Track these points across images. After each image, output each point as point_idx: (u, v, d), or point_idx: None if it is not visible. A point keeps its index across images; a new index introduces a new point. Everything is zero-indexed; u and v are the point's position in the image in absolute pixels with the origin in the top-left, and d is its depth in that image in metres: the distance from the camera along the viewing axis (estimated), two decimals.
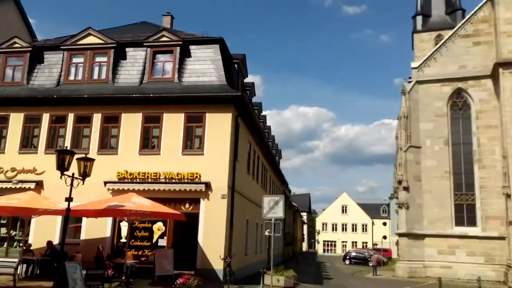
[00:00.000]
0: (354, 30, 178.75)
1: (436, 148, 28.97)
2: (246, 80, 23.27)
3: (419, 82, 29.96)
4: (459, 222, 28.08)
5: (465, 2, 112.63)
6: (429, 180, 28.60)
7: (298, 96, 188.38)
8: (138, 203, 13.56)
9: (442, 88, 29.48)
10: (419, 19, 44.08)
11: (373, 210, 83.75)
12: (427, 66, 30.12)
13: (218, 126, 16.97)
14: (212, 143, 16.84)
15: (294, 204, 54.81)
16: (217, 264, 15.75)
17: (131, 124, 17.55)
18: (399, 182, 28.76)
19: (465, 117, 29.11)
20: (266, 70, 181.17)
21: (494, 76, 27.67)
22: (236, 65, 20.06)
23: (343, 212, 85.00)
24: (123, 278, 13.53)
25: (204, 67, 18.31)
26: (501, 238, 26.31)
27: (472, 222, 27.80)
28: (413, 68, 30.62)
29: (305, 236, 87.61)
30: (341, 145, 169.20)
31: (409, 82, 30.36)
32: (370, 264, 32.07)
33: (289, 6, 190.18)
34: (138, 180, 16.92)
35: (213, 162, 16.63)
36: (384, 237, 64.88)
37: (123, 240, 16.32)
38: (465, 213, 28.14)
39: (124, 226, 16.38)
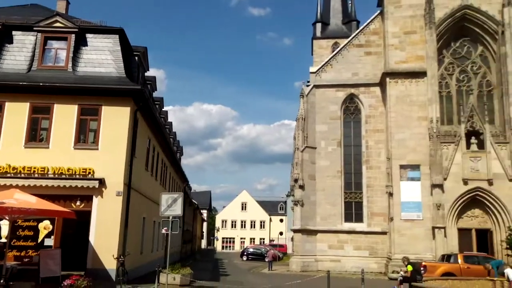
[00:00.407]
0: (259, 32, 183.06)
1: (329, 149, 30.77)
2: (148, 73, 22.58)
3: (316, 86, 31.55)
4: (348, 218, 30.18)
5: (360, 14, 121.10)
6: (322, 179, 30.30)
7: (203, 93, 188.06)
8: (21, 199, 12.43)
9: (337, 93, 31.38)
10: (319, 26, 46.43)
11: (271, 207, 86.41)
12: (324, 71, 31.83)
13: (115, 120, 16.23)
14: (108, 137, 16.07)
15: (194, 202, 54.52)
16: (110, 264, 15.07)
17: (16, 114, 16.03)
18: (295, 181, 30.05)
19: (356, 121, 31.29)
20: (170, 65, 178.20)
21: (382, 84, 30.13)
22: (136, 58, 19.34)
23: (242, 209, 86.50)
24: (2, 281, 12.35)
25: (102, 58, 17.38)
26: (383, 233, 28.83)
27: (359, 219, 30.03)
28: (311, 72, 32.18)
29: (205, 234, 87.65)
30: (243, 144, 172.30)
31: (308, 85, 31.84)
32: (266, 260, 33.06)
33: (195, 3, 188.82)
34: (22, 175, 15.54)
35: (108, 158, 15.87)
36: (281, 233, 67.29)
37: (3, 240, 14.88)
38: (353, 210, 30.34)
39: (5, 225, 14.94)
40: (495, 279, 15.12)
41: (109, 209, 15.53)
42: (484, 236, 26.93)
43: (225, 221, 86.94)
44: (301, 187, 29.82)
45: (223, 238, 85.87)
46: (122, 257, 15.12)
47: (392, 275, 24.04)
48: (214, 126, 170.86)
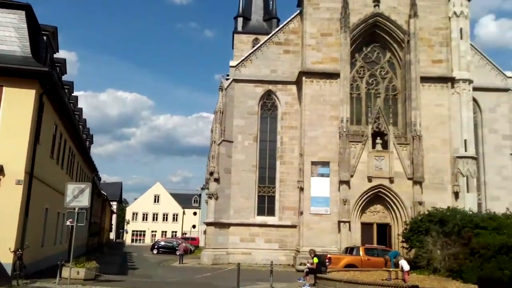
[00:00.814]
0: (179, 21, 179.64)
1: (246, 144, 31.15)
2: (57, 55, 21.13)
3: (235, 81, 31.72)
4: (261, 212, 30.83)
5: (281, 12, 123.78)
6: (238, 172, 30.61)
7: (117, 80, 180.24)
8: None
9: (255, 88, 31.80)
10: (240, 21, 46.72)
11: (185, 200, 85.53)
12: (244, 66, 32.08)
13: (18, 103, 14.99)
14: (9, 121, 14.79)
15: (104, 193, 52.33)
16: (6, 258, 13.92)
17: None
18: (211, 174, 30.02)
19: (272, 117, 31.99)
20: (83, 48, 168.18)
21: (298, 82, 31.09)
22: (45, 38, 17.99)
23: (155, 201, 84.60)
24: None
25: (5, 35, 15.93)
26: (293, 226, 29.87)
27: (271, 212, 30.82)
28: (231, 66, 32.27)
29: (114, 226, 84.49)
30: (159, 134, 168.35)
31: (227, 79, 31.90)
32: (178, 253, 32.70)
33: None
34: None
35: (8, 143, 14.62)
36: (194, 226, 66.97)
37: None
38: (266, 204, 31.04)
39: None
40: (391, 269, 16.30)
41: (7, 199, 14.33)
42: (384, 230, 29.02)
43: (136, 214, 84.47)
44: (217, 180, 29.85)
45: (133, 231, 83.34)
46: (20, 250, 14.06)
47: (299, 267, 24.97)
48: (128, 114, 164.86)
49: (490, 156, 31.40)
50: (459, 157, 28.87)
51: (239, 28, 46.51)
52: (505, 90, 32.21)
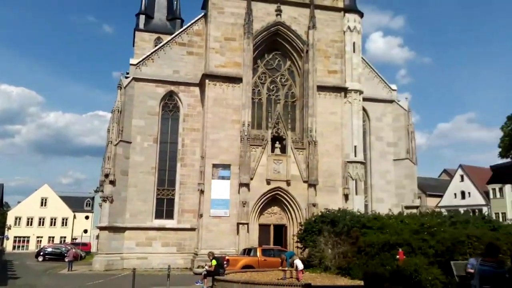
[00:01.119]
0: (75, 13, 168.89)
1: (145, 145, 30.22)
2: None
3: (136, 79, 30.65)
4: (159, 215, 30.10)
5: (185, 13, 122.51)
6: (135, 174, 29.56)
7: (1, 73, 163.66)
8: None
9: (156, 88, 31.03)
10: (142, 18, 45.44)
11: (77, 203, 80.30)
12: (145, 65, 31.15)
13: None
14: None
15: None
16: None
17: None
18: (106, 176, 28.59)
19: (174, 118, 31.46)
20: None
21: (201, 85, 30.98)
22: None
23: (42, 205, 78.09)
24: None
25: None
26: (192, 229, 29.63)
27: (170, 215, 30.24)
28: (131, 64, 31.15)
29: None
30: (49, 133, 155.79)
31: (127, 77, 30.70)
32: (66, 260, 30.55)
33: None
34: None
35: None
36: (85, 231, 63.09)
37: None
38: (165, 206, 30.39)
39: None
40: (286, 269, 16.91)
41: None
42: (280, 231, 30.05)
43: (20, 218, 77.25)
44: (112, 182, 28.51)
45: (15, 237, 76.05)
46: None
47: (197, 270, 24.79)
48: (13, 110, 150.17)
49: (376, 161, 34.16)
50: (349, 162, 30.99)
51: (141, 26, 45.10)
52: (390, 101, 35.31)
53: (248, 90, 30.14)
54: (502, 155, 30.03)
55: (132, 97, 30.37)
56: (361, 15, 33.92)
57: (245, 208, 28.26)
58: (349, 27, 33.01)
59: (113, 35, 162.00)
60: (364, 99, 33.04)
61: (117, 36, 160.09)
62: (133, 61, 31.67)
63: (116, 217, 28.53)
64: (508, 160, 25.85)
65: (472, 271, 14.06)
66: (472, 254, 15.19)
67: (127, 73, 31.08)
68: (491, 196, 61.39)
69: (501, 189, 58.36)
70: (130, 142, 29.82)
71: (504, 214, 55.06)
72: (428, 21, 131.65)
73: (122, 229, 28.77)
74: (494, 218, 29.81)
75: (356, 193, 30.65)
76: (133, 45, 45.56)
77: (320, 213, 24.08)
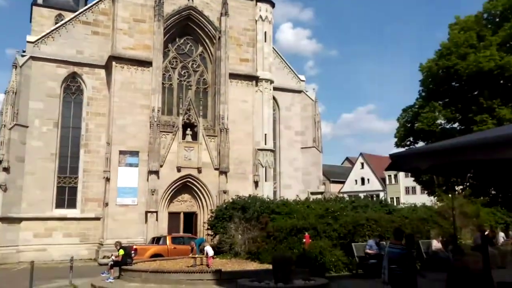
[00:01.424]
0: None
1: (44, 129, 28.07)
2: None
3: (33, 58, 28.21)
4: (60, 204, 28.27)
5: None
6: (33, 161, 27.39)
7: None
8: None
9: (57, 69, 28.87)
10: None
11: None
12: (44, 43, 28.78)
13: None
14: None
15: None
16: None
17: None
18: None
19: (77, 102, 29.57)
20: None
21: (108, 67, 29.41)
22: None
23: None
24: None
25: None
26: (97, 218, 28.29)
27: (72, 204, 28.54)
28: (29, 42, 28.59)
29: None
30: None
31: (23, 56, 28.15)
32: None
33: None
34: None
35: None
36: None
37: None
38: (66, 195, 28.61)
39: None
40: (196, 256, 16.87)
41: None
42: (191, 218, 29.86)
43: None
44: (6, 169, 26.13)
45: None
46: None
47: (102, 260, 23.81)
48: None
49: (285, 149, 35.23)
50: (259, 149, 31.59)
51: (40, 1, 41.47)
52: (299, 91, 36.50)
53: (158, 74, 29.27)
54: (397, 144, 32.74)
55: (29, 78, 27.94)
56: (272, 5, 34.43)
57: (154, 196, 27.61)
58: (261, 16, 33.37)
59: (7, 8, 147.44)
60: (275, 89, 33.78)
61: (13, 9, 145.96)
62: (31, 38, 29.09)
63: (11, 207, 26.27)
64: (404, 149, 28.20)
65: (370, 252, 15.29)
66: (371, 236, 16.42)
67: (24, 51, 28.48)
68: (387, 182, 66.78)
69: (396, 176, 63.71)
70: (27, 126, 27.50)
71: (398, 198, 60.25)
72: (335, 15, 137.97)
73: (18, 220, 26.58)
74: (389, 202, 32.21)
75: (266, 180, 31.37)
76: (30, 21, 41.76)
77: (231, 200, 24.27)
